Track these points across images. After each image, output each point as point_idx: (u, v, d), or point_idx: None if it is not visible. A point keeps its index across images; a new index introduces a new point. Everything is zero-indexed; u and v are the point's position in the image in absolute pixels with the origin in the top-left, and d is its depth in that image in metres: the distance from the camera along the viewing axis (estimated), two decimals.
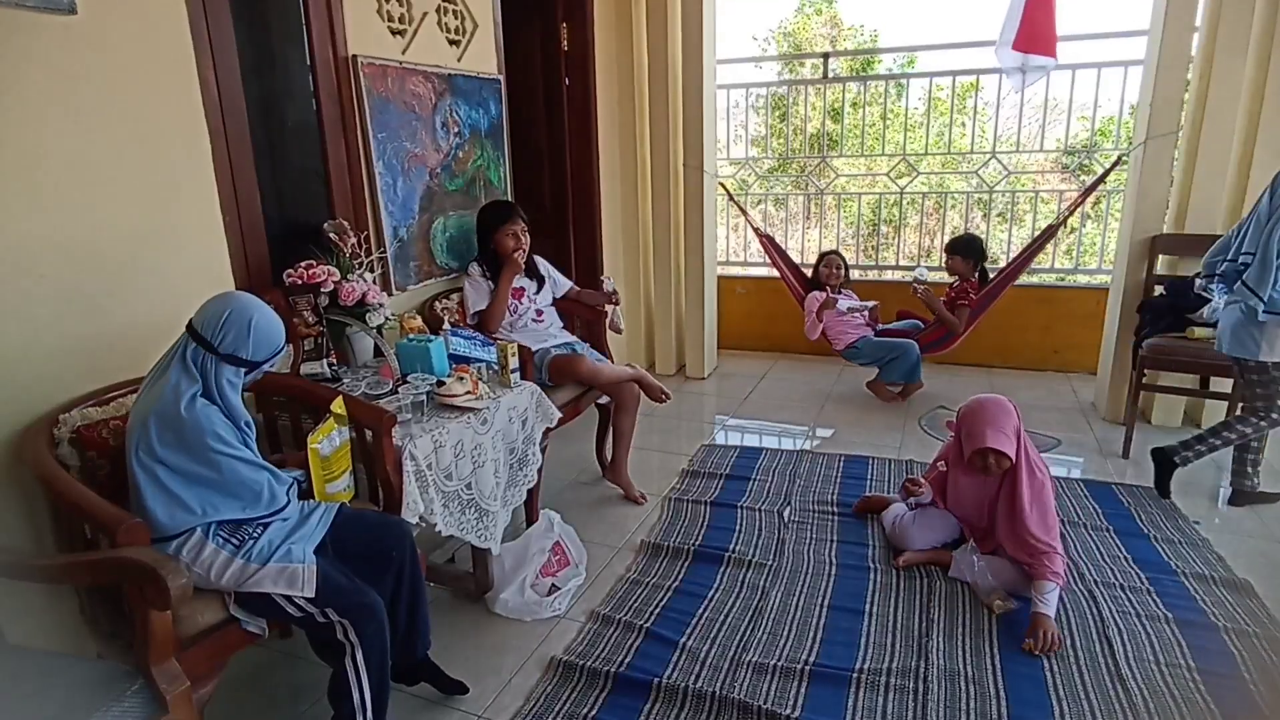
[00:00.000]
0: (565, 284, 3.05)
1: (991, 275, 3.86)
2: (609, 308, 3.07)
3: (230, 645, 1.51)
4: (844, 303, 3.93)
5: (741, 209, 4.36)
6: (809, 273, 4.12)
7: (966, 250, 3.87)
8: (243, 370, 1.56)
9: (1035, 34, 3.36)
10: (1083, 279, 4.44)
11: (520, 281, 2.86)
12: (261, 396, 1.97)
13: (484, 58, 3.05)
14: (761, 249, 4.31)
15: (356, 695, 1.52)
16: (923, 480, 2.41)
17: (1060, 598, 2.11)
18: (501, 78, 3.15)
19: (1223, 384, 3.25)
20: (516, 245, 2.78)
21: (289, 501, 1.60)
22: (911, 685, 1.85)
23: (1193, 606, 2.13)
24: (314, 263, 2.19)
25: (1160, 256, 3.38)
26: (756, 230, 4.26)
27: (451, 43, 2.88)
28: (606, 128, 3.94)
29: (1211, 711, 1.74)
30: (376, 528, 1.72)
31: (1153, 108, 3.25)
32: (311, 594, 1.48)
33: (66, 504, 1.46)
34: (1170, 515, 2.66)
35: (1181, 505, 2.72)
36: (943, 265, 4.16)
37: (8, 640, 1.50)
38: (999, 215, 4.76)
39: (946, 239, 4.61)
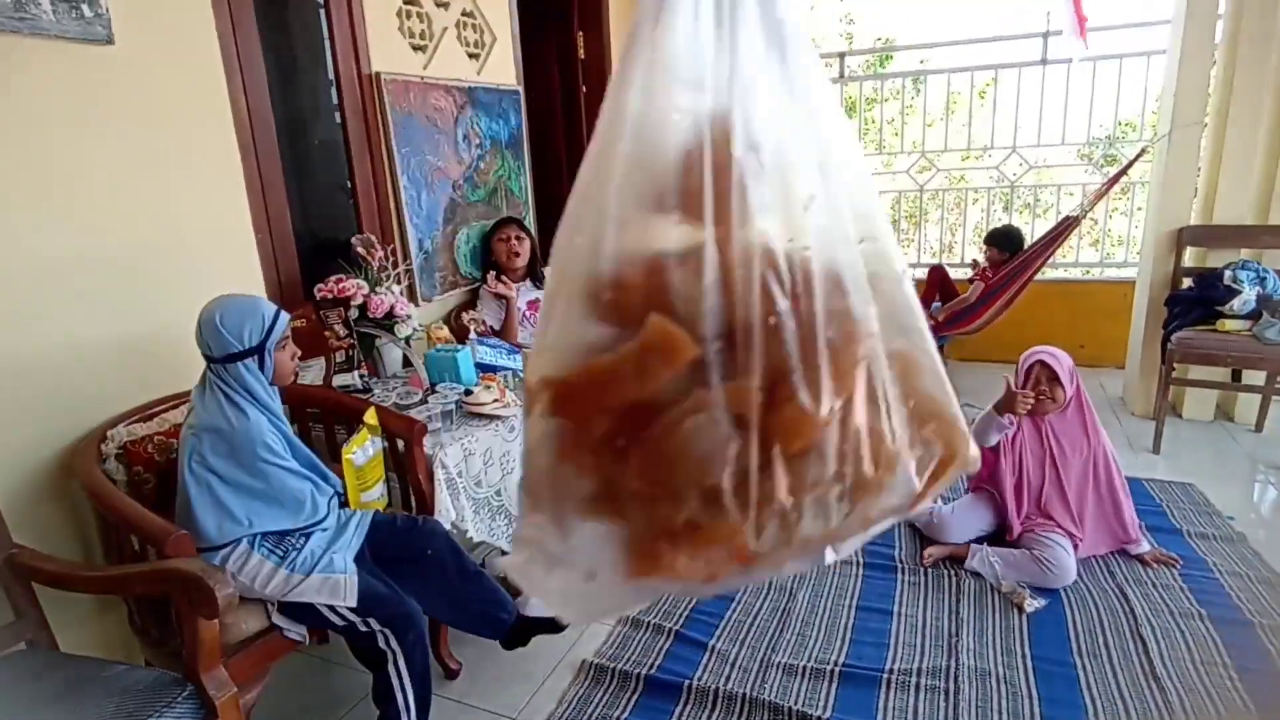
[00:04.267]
0: None
1: None
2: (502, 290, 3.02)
3: (273, 652, 1.56)
4: None
5: None
6: None
7: (1001, 243, 3.83)
8: (253, 361, 1.56)
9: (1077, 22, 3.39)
10: (1110, 272, 4.38)
11: (533, 294, 2.91)
12: (296, 408, 2.02)
13: (503, 70, 3.10)
14: None
15: (400, 699, 1.56)
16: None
17: (1090, 594, 2.15)
18: (520, 88, 3.19)
19: (1256, 377, 3.20)
20: (508, 250, 2.85)
21: (329, 512, 1.65)
22: (943, 685, 1.85)
23: (1227, 603, 2.10)
24: (343, 277, 2.24)
25: (1188, 249, 3.33)
26: None
27: (471, 56, 2.93)
28: None
29: (1249, 709, 1.72)
30: (407, 531, 1.77)
31: (1177, 97, 3.21)
32: (354, 604, 1.52)
33: (116, 517, 1.52)
34: (1204, 510, 2.62)
35: (1215, 500, 2.69)
36: (974, 260, 4.14)
37: (62, 649, 1.56)
38: (1022, 208, 4.72)
39: (968, 234, 4.59)
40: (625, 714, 1.82)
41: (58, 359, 1.66)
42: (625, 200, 0.56)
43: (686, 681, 1.88)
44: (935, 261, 4.69)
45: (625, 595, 0.61)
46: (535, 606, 2.15)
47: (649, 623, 2.14)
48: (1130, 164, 3.53)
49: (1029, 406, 2.26)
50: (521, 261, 2.88)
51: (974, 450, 0.65)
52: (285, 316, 1.62)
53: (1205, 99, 3.22)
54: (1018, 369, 2.39)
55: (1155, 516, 2.59)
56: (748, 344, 0.54)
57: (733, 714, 1.80)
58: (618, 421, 0.57)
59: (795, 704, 1.79)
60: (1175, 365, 3.07)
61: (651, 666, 1.96)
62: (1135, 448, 3.20)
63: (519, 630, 1.87)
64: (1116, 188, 3.81)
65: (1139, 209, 4.29)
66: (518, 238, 2.89)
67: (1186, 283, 3.30)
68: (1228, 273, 3.09)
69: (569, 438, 0.59)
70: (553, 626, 1.91)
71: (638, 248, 0.56)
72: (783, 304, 0.55)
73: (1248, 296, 3.01)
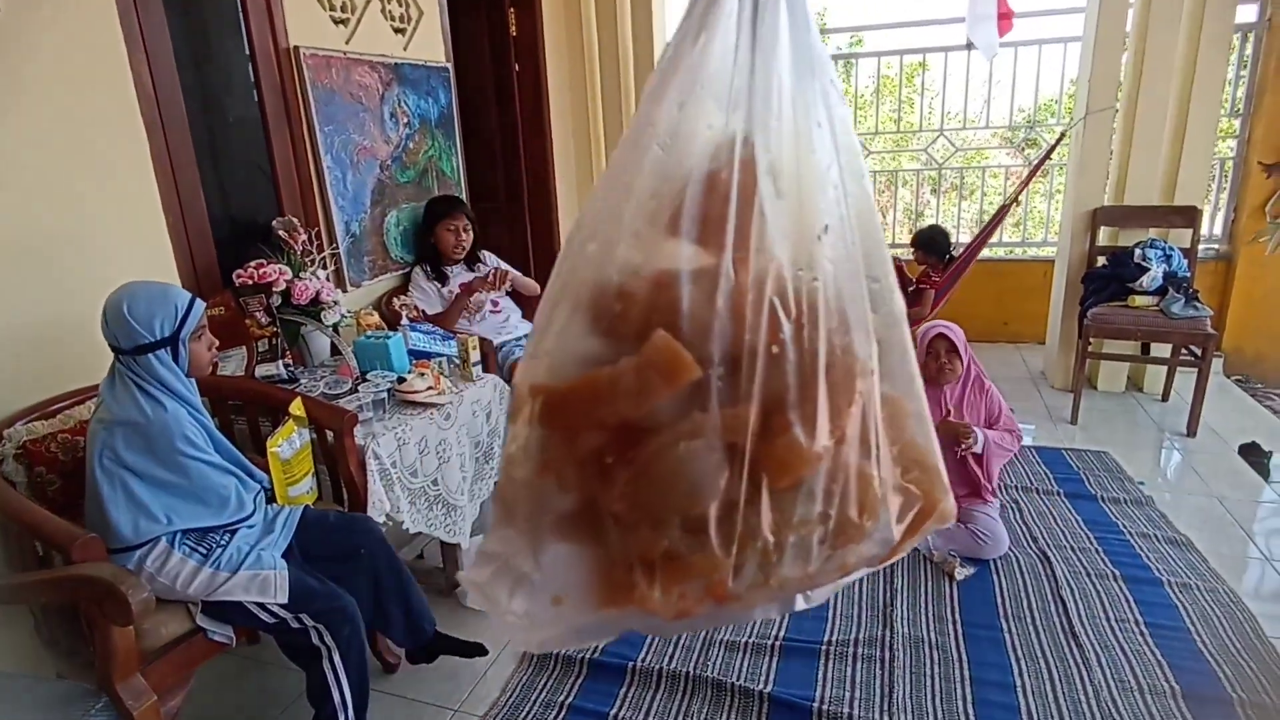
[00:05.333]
0: (516, 275, 3.04)
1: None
2: (479, 295, 2.76)
3: (197, 656, 1.49)
4: None
5: None
6: None
7: (929, 247, 3.82)
8: (165, 352, 1.46)
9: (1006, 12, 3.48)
10: (1031, 252, 4.57)
11: (465, 275, 2.84)
12: (217, 400, 1.93)
13: (431, 46, 3.00)
14: None
15: (337, 696, 1.51)
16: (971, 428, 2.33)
17: (1015, 559, 2.26)
18: (449, 66, 3.09)
19: (1163, 349, 3.39)
20: (455, 241, 2.77)
21: (256, 509, 1.57)
22: (879, 654, 1.91)
23: (1138, 563, 2.23)
24: (264, 262, 2.13)
25: (1102, 228, 3.50)
26: None
27: (396, 31, 2.82)
28: (559, 114, 3.90)
29: (1159, 661, 1.83)
30: (341, 528, 1.70)
31: (1091, 83, 3.35)
32: (285, 600, 1.46)
33: (16, 522, 1.42)
34: (1117, 476, 2.77)
35: (1127, 466, 2.84)
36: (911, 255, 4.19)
37: None
38: (950, 190, 4.87)
39: (899, 216, 4.69)
40: (570, 699, 1.81)
41: None
42: (647, 212, 0.54)
43: (630, 663, 1.89)
44: None
45: (590, 626, 0.58)
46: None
47: None
48: (1051, 149, 3.67)
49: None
50: (464, 252, 2.80)
51: (951, 503, 0.65)
52: (200, 305, 1.53)
53: (1118, 84, 3.36)
54: (917, 343, 2.46)
55: (1073, 484, 2.72)
56: (751, 371, 0.53)
57: (676, 693, 1.81)
58: (608, 438, 0.55)
59: (737, 680, 1.82)
60: (1091, 340, 3.23)
61: (595, 650, 1.95)
62: (1055, 419, 3.36)
63: (434, 645, 1.81)
64: (1038, 171, 3.95)
65: (1058, 191, 4.48)
66: (465, 229, 2.80)
67: (1101, 261, 3.46)
68: (1137, 251, 3.26)
69: (555, 449, 0.56)
70: (466, 649, 1.83)
71: (651, 262, 0.54)
72: (787, 331, 0.54)
73: (1155, 274, 3.18)
